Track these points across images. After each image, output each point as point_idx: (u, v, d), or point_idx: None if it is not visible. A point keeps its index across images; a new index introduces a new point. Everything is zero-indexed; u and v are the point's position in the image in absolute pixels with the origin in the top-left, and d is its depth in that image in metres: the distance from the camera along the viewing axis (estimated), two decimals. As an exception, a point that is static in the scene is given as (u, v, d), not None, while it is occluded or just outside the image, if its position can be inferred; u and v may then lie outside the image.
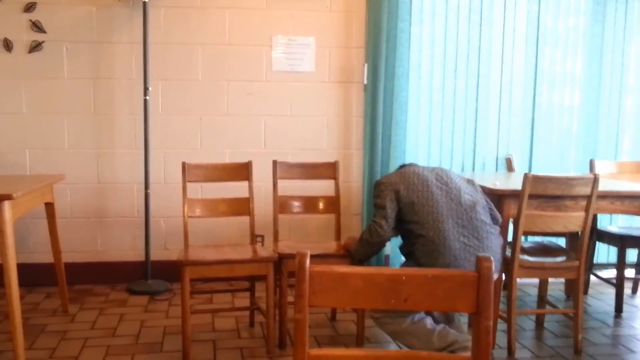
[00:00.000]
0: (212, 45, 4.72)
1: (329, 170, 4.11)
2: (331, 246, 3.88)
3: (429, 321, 3.16)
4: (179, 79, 4.71)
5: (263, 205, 4.71)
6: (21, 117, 4.57)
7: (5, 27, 4.48)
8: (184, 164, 3.78)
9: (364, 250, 3.41)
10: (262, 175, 4.48)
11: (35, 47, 4.51)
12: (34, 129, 4.60)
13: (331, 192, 4.07)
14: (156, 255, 4.74)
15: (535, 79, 5.10)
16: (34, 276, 4.58)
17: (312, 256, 1.43)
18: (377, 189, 3.29)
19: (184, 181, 3.77)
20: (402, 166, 3.45)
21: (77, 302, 4.32)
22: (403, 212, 3.19)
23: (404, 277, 1.41)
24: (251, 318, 3.95)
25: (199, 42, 4.71)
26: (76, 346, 3.55)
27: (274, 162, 3.98)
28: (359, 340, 3.67)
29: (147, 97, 4.52)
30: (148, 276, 4.68)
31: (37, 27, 4.48)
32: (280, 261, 3.54)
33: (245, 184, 3.90)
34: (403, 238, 3.32)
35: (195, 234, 4.65)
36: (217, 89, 4.76)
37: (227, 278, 4.58)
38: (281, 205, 3.96)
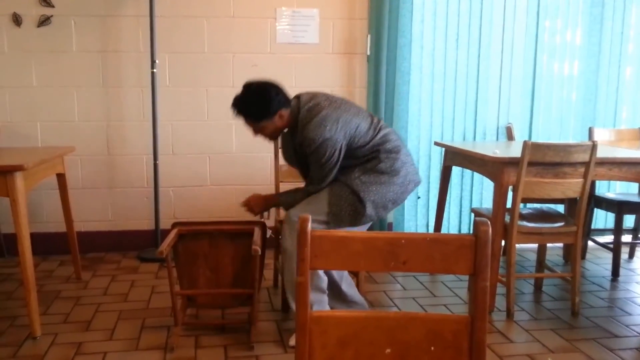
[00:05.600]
0: (218, 18, 4.70)
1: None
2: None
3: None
4: (186, 51, 4.70)
5: (269, 176, 4.76)
6: (31, 90, 4.58)
7: (15, 1, 4.46)
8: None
9: None
10: (269, 147, 4.54)
11: (44, 21, 4.50)
12: (44, 102, 4.61)
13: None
14: (165, 223, 4.77)
15: (536, 49, 5.08)
16: (48, 245, 4.65)
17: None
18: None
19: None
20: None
21: (89, 270, 4.38)
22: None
23: (403, 241, 1.41)
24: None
25: (205, 15, 4.69)
26: (89, 311, 3.63)
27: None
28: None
29: (155, 70, 4.52)
30: (158, 244, 4.73)
31: (45, 1, 4.47)
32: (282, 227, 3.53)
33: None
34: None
35: (204, 205, 4.76)
36: (222, 61, 4.75)
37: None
38: (283, 174, 3.94)
